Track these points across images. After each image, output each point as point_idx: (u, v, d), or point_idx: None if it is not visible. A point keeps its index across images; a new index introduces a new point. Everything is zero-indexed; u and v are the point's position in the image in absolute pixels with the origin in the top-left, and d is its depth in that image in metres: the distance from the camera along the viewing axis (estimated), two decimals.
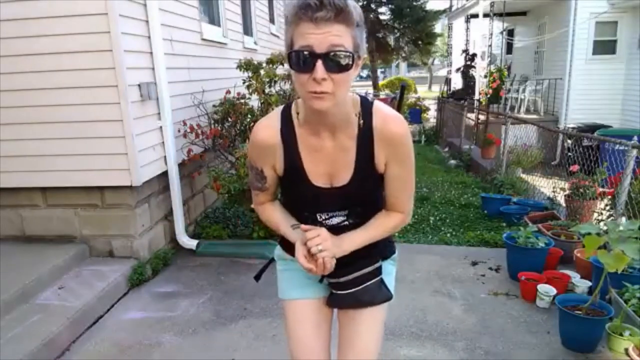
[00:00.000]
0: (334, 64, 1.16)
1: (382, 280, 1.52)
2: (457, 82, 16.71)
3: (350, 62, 1.19)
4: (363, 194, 1.44)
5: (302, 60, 1.17)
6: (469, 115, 10.62)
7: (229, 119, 4.48)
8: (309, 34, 1.14)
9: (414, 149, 1.47)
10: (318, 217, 1.45)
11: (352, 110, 1.34)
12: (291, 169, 1.41)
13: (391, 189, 1.44)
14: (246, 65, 4.48)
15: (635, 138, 3.88)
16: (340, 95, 1.23)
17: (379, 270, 1.51)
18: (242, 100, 4.49)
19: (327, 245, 1.35)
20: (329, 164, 1.39)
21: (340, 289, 1.51)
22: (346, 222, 1.46)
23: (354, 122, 1.35)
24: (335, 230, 1.43)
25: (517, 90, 12.37)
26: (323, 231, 1.37)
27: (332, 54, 1.15)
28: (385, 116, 1.37)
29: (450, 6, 19.26)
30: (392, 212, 1.48)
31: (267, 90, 4.45)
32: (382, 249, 1.55)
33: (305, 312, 1.57)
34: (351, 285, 1.49)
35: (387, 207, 1.48)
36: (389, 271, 1.59)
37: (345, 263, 1.44)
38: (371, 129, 1.36)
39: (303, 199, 1.47)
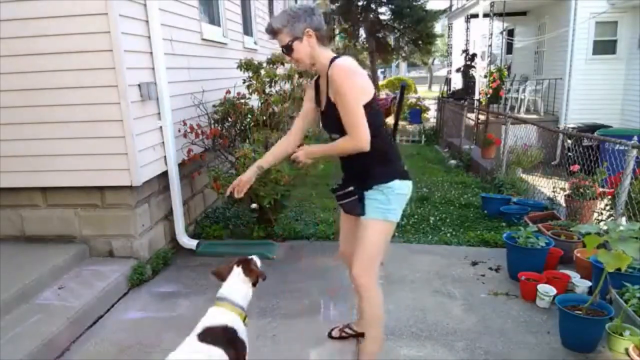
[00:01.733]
0: (286, 52, 2.22)
1: (358, 200, 2.26)
2: (457, 82, 16.71)
3: (289, 45, 2.17)
4: (331, 119, 2.21)
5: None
6: (469, 115, 10.62)
7: (229, 119, 4.48)
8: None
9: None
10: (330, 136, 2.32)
11: (326, 66, 2.18)
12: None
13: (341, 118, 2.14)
14: (247, 65, 4.48)
15: (635, 138, 3.87)
16: (302, 60, 2.21)
17: (351, 193, 2.28)
18: (242, 100, 4.49)
19: (298, 153, 2.31)
20: (323, 96, 2.30)
21: (337, 201, 2.39)
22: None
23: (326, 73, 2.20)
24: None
25: (517, 90, 12.37)
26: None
27: (282, 49, 2.23)
28: (332, 65, 2.14)
29: (450, 6, 19.26)
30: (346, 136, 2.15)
31: (267, 90, 4.45)
32: (362, 181, 2.26)
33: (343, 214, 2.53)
34: (339, 200, 2.36)
35: None
36: (372, 196, 2.25)
37: (336, 188, 2.36)
38: (328, 76, 2.17)
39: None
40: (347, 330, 2.85)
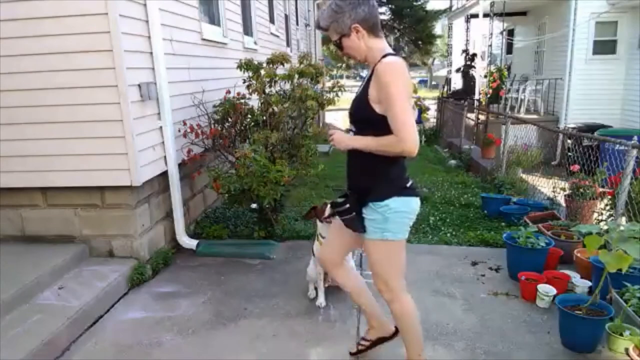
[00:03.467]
0: (337, 46, 2.19)
1: (357, 217, 2.20)
2: (457, 82, 16.71)
3: (338, 43, 2.15)
4: (357, 108, 2.17)
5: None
6: (469, 115, 10.62)
7: (229, 119, 4.47)
8: None
9: None
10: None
11: (377, 58, 2.09)
12: None
13: (390, 124, 2.01)
14: (247, 66, 4.48)
15: (635, 138, 3.87)
16: (355, 54, 2.17)
17: (349, 211, 2.22)
18: (242, 100, 4.48)
19: (336, 135, 2.23)
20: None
21: (339, 216, 2.33)
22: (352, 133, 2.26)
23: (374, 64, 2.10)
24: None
25: (517, 90, 12.38)
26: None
27: (334, 43, 2.19)
28: (382, 60, 2.05)
29: (450, 6, 19.26)
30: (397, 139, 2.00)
31: (267, 90, 4.45)
32: (358, 193, 2.20)
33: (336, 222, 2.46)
34: (340, 215, 2.30)
35: None
36: (369, 215, 2.18)
37: (336, 203, 2.30)
38: (374, 70, 2.08)
39: None
40: (362, 342, 2.72)
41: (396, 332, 2.57)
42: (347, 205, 2.22)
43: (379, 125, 2.03)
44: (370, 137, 2.07)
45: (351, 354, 2.72)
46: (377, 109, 2.05)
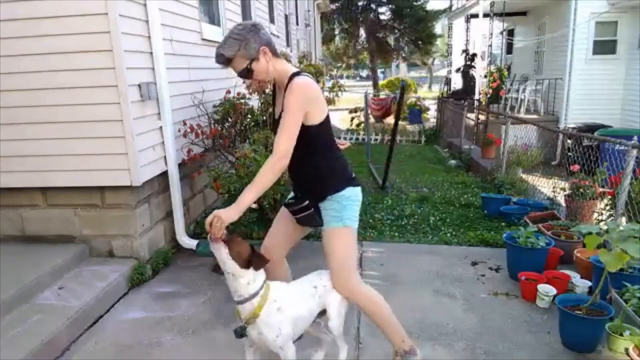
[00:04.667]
0: (245, 76, 2.22)
1: (315, 213, 2.29)
2: (457, 82, 16.71)
3: (249, 69, 2.17)
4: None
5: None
6: (469, 115, 10.62)
7: (229, 119, 4.47)
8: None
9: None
10: None
11: (286, 78, 2.18)
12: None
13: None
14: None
15: (635, 138, 3.87)
16: (264, 78, 2.24)
17: (308, 207, 2.28)
18: (242, 100, 4.48)
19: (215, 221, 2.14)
20: (279, 103, 2.30)
21: (293, 215, 2.38)
22: None
23: (285, 85, 2.18)
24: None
25: (517, 90, 12.38)
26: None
27: (240, 74, 2.22)
28: (292, 82, 2.14)
29: (450, 6, 19.26)
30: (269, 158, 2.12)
31: (267, 90, 4.45)
32: (315, 193, 2.30)
33: (283, 213, 2.50)
34: (295, 214, 2.35)
35: None
36: (328, 207, 2.29)
37: (292, 203, 2.35)
38: (287, 87, 2.16)
39: None
40: None
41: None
42: (307, 202, 2.30)
43: (308, 138, 2.18)
44: (247, 189, 2.12)
45: None
46: (304, 122, 2.17)
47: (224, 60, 2.17)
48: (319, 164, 2.29)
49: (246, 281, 2.10)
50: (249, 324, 2.12)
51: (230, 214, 2.11)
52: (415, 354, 2.45)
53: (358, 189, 2.37)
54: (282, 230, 2.53)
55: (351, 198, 2.32)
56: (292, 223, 2.43)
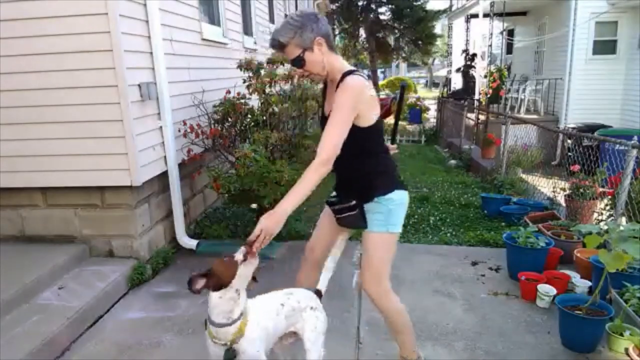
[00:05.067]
0: (297, 65, 2.13)
1: (360, 214, 2.20)
2: (457, 82, 16.71)
3: (301, 58, 2.07)
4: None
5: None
6: (469, 115, 10.62)
7: (229, 119, 4.47)
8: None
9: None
10: None
11: (338, 76, 2.11)
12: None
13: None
14: (247, 66, 4.48)
15: (635, 138, 3.87)
16: (316, 71, 2.13)
17: (353, 207, 2.19)
18: (242, 100, 4.48)
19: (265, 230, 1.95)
20: (329, 101, 2.20)
21: (335, 215, 2.29)
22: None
23: (336, 82, 2.11)
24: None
25: (517, 90, 12.37)
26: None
27: (292, 62, 2.13)
28: (345, 80, 2.06)
29: (450, 6, 19.25)
30: (314, 159, 1.99)
31: (267, 90, 4.45)
32: (362, 195, 2.19)
33: (326, 212, 2.47)
34: (337, 214, 2.26)
35: None
36: (374, 209, 2.20)
37: (336, 202, 2.27)
38: (338, 86, 2.08)
39: None
40: None
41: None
42: (353, 202, 2.19)
43: (356, 138, 2.07)
44: (291, 193, 1.96)
45: None
46: (356, 122, 2.09)
47: (277, 45, 2.09)
48: (369, 165, 2.21)
49: (244, 298, 1.95)
50: (235, 344, 1.89)
51: (275, 224, 1.94)
52: None
53: (405, 193, 2.28)
54: (328, 230, 2.41)
55: (398, 202, 2.23)
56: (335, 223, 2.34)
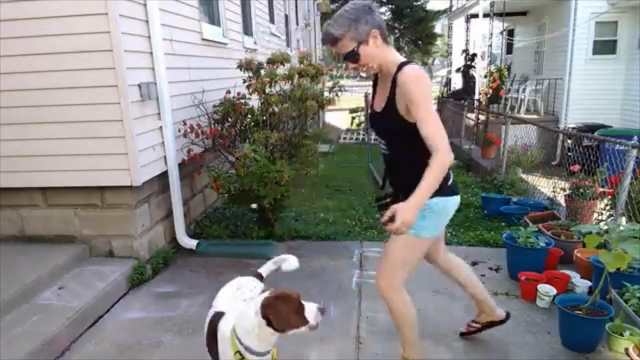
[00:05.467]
0: (351, 59, 2.06)
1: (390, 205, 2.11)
2: (457, 82, 16.71)
3: (356, 52, 2.02)
4: (386, 122, 2.14)
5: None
6: (469, 115, 10.62)
7: (229, 119, 4.47)
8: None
9: None
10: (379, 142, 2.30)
11: (393, 69, 2.06)
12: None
13: (419, 131, 1.98)
14: (247, 66, 4.48)
15: (635, 138, 3.87)
16: (371, 64, 2.08)
17: (389, 205, 2.04)
18: (242, 100, 4.48)
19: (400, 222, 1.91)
20: (380, 96, 2.17)
21: (379, 210, 2.28)
22: (385, 152, 2.26)
23: (391, 75, 2.07)
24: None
25: (517, 90, 12.38)
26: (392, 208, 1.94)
27: (346, 57, 2.05)
28: (402, 71, 2.01)
29: (450, 6, 19.26)
30: (432, 155, 1.93)
31: (267, 90, 4.45)
32: (405, 192, 2.03)
33: None
34: (380, 209, 2.21)
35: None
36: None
37: (379, 198, 2.34)
38: (395, 79, 2.04)
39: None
40: (473, 325, 2.84)
41: (507, 317, 2.74)
42: (388, 200, 2.22)
43: (410, 135, 2.03)
44: (423, 185, 1.92)
45: (461, 334, 2.85)
46: (411, 119, 2.03)
47: (331, 39, 2.02)
48: (417, 163, 2.04)
49: None
50: None
51: (413, 217, 1.92)
52: None
53: (451, 199, 2.18)
54: None
55: (435, 209, 2.13)
56: None
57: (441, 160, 1.92)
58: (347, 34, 1.99)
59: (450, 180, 2.22)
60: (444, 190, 2.10)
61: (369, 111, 2.30)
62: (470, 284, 2.66)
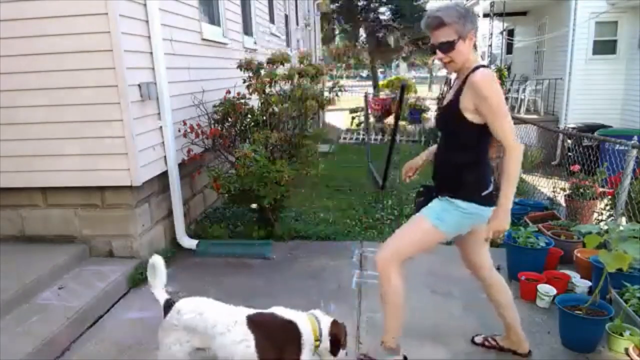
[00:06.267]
0: (443, 48, 2.13)
1: (424, 202, 2.36)
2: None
3: (453, 43, 2.10)
4: (449, 117, 2.27)
5: (431, 50, 2.20)
6: None
7: (229, 119, 4.48)
8: (431, 37, 2.17)
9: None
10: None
11: (469, 69, 2.17)
12: None
13: (490, 127, 2.12)
14: (247, 66, 4.48)
15: (635, 138, 3.88)
16: (458, 61, 2.16)
17: (420, 194, 2.42)
18: (242, 100, 4.49)
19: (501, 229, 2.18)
20: (449, 94, 2.30)
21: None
22: (440, 144, 2.42)
23: (465, 75, 2.18)
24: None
25: (517, 90, 12.38)
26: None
27: (439, 45, 2.14)
28: (477, 72, 2.12)
29: None
30: (507, 153, 2.11)
31: (267, 90, 4.45)
32: (440, 187, 2.32)
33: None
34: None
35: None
36: (436, 202, 2.30)
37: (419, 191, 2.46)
38: (467, 79, 2.15)
39: None
40: (490, 340, 2.79)
41: (529, 354, 2.68)
42: (421, 189, 2.45)
43: (470, 133, 2.19)
44: (506, 187, 2.14)
45: (474, 342, 2.82)
46: (472, 118, 2.15)
47: (437, 23, 2.10)
48: (464, 161, 2.26)
49: None
50: None
51: (507, 221, 2.16)
52: (398, 354, 2.52)
53: (481, 209, 2.25)
54: (463, 246, 2.56)
55: (463, 212, 2.25)
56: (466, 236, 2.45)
57: (515, 155, 2.09)
58: (454, 25, 2.08)
59: (487, 191, 2.28)
60: (477, 198, 2.23)
61: (437, 107, 2.53)
62: (505, 306, 2.63)
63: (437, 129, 2.47)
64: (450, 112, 2.23)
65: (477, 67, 2.14)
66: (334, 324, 2.22)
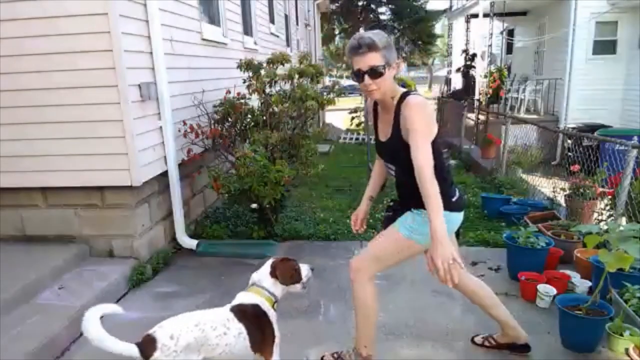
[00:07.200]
0: (371, 74, 2.08)
1: (392, 217, 2.40)
2: (457, 82, 16.71)
3: (380, 70, 2.07)
4: (394, 150, 2.24)
5: (356, 76, 2.14)
6: (469, 115, 10.61)
7: (229, 119, 4.48)
8: (357, 61, 2.10)
9: None
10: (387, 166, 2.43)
11: (395, 99, 2.17)
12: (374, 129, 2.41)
13: (412, 156, 2.06)
14: (247, 66, 4.48)
15: (635, 138, 3.89)
16: (383, 89, 2.13)
17: (390, 209, 2.48)
18: (242, 100, 4.49)
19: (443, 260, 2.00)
20: (384, 126, 2.28)
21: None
22: (394, 176, 2.36)
23: (394, 105, 2.18)
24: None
25: (517, 90, 12.38)
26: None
27: (369, 70, 2.07)
28: (406, 101, 2.13)
29: (450, 6, 19.26)
30: (416, 173, 2.03)
31: (267, 90, 4.45)
32: (406, 201, 2.32)
33: None
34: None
35: None
36: (408, 216, 2.31)
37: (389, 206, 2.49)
38: (398, 109, 2.16)
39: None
40: (490, 340, 2.80)
41: (528, 347, 2.70)
42: (391, 203, 2.49)
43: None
44: (429, 210, 1.97)
45: (474, 342, 2.82)
46: (403, 135, 2.17)
47: (370, 43, 2.05)
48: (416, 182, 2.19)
49: None
50: None
51: (447, 249, 1.97)
52: None
53: (452, 215, 2.23)
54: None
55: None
56: None
57: (424, 174, 1.99)
58: (383, 50, 2.07)
59: (455, 197, 2.31)
60: (446, 205, 2.12)
61: (374, 139, 2.44)
62: (491, 306, 2.64)
63: (385, 162, 2.42)
64: (396, 146, 2.20)
65: (405, 95, 2.15)
66: (271, 271, 2.34)
